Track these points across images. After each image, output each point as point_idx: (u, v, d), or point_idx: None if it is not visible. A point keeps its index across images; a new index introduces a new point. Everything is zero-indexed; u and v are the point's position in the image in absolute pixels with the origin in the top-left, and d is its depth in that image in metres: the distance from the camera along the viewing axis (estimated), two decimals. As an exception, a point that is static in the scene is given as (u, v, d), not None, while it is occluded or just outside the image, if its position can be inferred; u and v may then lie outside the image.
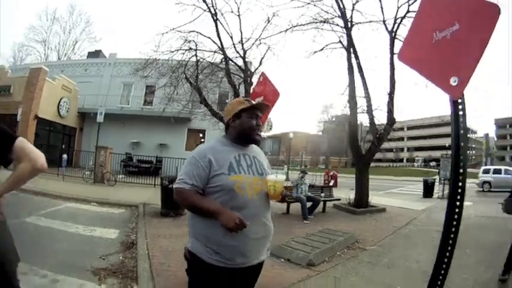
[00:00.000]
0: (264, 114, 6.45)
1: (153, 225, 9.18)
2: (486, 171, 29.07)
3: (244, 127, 2.75)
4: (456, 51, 2.14)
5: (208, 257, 2.49)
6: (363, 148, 14.96)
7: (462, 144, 2.16)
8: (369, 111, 13.73)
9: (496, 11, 2.07)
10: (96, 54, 37.30)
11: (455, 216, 2.23)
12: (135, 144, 27.53)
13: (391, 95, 13.15)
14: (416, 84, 13.24)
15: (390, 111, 13.30)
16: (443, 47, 2.19)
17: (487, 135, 56.39)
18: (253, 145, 2.92)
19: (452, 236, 2.25)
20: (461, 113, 2.15)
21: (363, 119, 15.67)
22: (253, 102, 2.83)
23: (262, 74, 7.15)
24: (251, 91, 11.73)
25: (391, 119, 13.38)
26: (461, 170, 2.18)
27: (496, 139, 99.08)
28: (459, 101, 2.17)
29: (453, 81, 2.05)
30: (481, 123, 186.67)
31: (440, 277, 2.33)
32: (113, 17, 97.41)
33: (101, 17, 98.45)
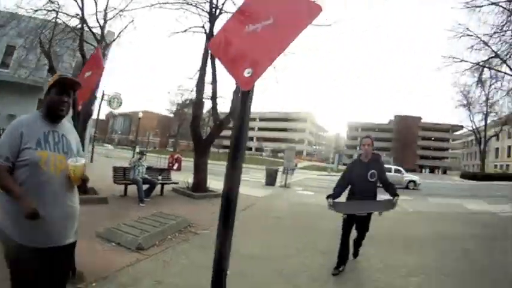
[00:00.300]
0: (82, 90, 6.32)
1: None
2: None
3: (50, 103, 2.80)
4: (259, 44, 2.23)
5: (15, 235, 2.52)
6: (204, 133, 15.20)
7: (243, 135, 2.23)
8: (213, 97, 14.23)
9: (317, 10, 2.14)
10: None
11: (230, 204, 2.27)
12: None
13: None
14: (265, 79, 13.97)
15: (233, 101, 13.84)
16: (250, 39, 2.28)
17: (337, 134, 61.27)
18: (66, 123, 2.97)
19: (227, 221, 2.31)
20: (248, 104, 2.24)
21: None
22: (66, 77, 2.88)
23: (97, 49, 6.95)
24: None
25: (235, 108, 13.76)
26: (238, 158, 2.28)
27: (346, 139, 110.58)
28: (248, 91, 2.21)
29: (247, 72, 2.13)
30: (334, 124, 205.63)
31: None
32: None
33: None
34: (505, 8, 16.45)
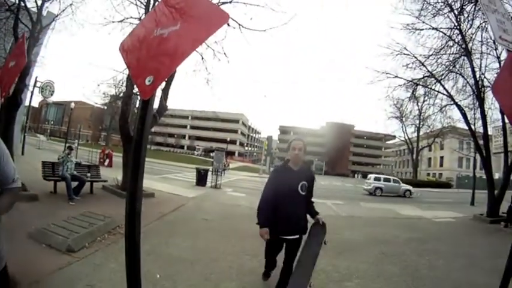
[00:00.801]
0: (11, 77, 5.84)
1: None
2: (377, 179, 33.58)
3: None
4: (164, 50, 2.09)
5: None
6: (134, 129, 14.89)
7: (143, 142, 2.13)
8: None
9: (224, 18, 2.08)
10: None
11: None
12: None
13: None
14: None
15: (162, 99, 13.81)
16: (155, 44, 2.10)
17: (270, 137, 62.26)
18: None
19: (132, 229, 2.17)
20: (148, 113, 2.12)
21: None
22: None
23: (22, 36, 6.52)
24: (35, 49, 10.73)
25: (162, 106, 13.86)
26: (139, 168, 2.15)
27: (278, 142, 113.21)
28: (148, 100, 2.14)
29: (148, 80, 1.98)
30: (266, 127, 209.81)
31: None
32: None
33: None
34: (445, 34, 17.35)
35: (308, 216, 4.92)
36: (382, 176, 35.40)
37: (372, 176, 35.03)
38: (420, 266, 7.25)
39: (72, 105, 43.11)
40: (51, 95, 27.84)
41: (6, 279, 2.38)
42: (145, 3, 13.00)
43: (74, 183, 11.16)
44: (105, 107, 72.95)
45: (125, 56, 2.43)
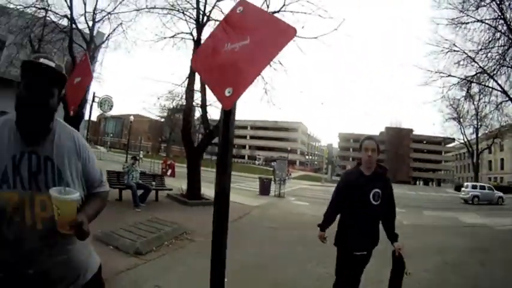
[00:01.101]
0: (79, 92, 6.13)
1: None
2: (474, 187, 33.55)
3: (18, 102, 1.77)
4: (237, 64, 2.17)
5: None
6: (196, 140, 15.14)
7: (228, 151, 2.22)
8: (203, 105, 14.11)
9: (291, 33, 2.11)
10: None
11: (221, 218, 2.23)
12: None
13: None
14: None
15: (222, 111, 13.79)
16: (229, 58, 2.17)
17: (330, 144, 61.52)
18: (58, 135, 1.88)
19: (219, 237, 2.25)
20: (231, 123, 2.22)
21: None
22: (42, 60, 1.76)
23: (84, 55, 6.86)
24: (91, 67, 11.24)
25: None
26: (226, 177, 2.23)
27: (339, 149, 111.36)
28: (231, 111, 2.23)
29: (227, 92, 2.07)
30: (325, 135, 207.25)
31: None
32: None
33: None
34: (490, 26, 16.66)
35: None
36: (478, 184, 34.85)
37: (469, 184, 34.94)
38: (483, 277, 7.01)
39: (131, 118, 44.69)
40: (110, 109, 28.82)
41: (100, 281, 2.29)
42: (195, 19, 13.34)
43: (140, 191, 11.54)
44: (163, 120, 74.82)
45: (199, 69, 2.60)
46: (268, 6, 12.38)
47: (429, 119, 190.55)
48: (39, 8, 12.61)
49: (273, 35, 2.14)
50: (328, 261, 5.66)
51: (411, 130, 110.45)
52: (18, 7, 12.61)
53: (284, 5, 12.75)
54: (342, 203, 4.22)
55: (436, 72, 19.18)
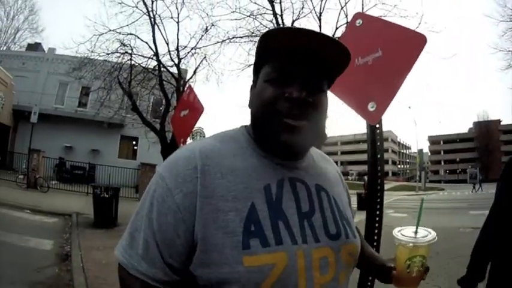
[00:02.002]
0: (189, 123, 6.33)
1: (87, 236, 9.01)
2: None
3: (260, 103, 1.07)
4: (376, 77, 2.12)
5: None
6: None
7: (379, 168, 2.17)
8: None
9: (422, 40, 2.06)
10: (35, 47, 34.57)
11: (376, 230, 2.18)
12: (68, 148, 26.02)
13: None
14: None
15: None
16: (364, 72, 2.15)
17: (421, 150, 58.99)
18: (314, 156, 1.25)
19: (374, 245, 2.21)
20: (378, 137, 2.17)
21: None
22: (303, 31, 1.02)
23: (189, 87, 7.03)
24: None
25: (322, 135, 13.54)
26: (378, 195, 2.17)
27: (429, 154, 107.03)
28: (376, 125, 2.18)
29: (371, 106, 2.00)
30: (413, 139, 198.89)
31: None
32: (56, 6, 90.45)
33: (44, 5, 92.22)
34: None
35: None
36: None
37: None
38: None
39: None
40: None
41: None
42: None
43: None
44: None
45: (332, 89, 2.50)
46: (346, 16, 12.16)
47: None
48: (123, 53, 13.33)
49: (405, 44, 2.09)
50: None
51: (499, 121, 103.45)
52: (101, 55, 13.33)
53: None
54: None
55: None
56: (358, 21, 2.31)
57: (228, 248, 0.92)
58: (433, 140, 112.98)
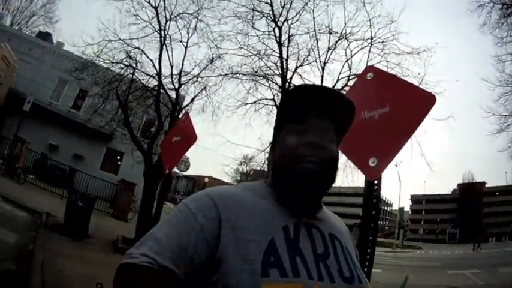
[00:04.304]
0: (179, 150, 6.25)
1: (54, 240, 8.72)
2: None
3: (284, 150, 1.17)
4: (381, 133, 2.09)
5: None
6: None
7: (372, 225, 2.14)
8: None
9: (432, 101, 2.08)
10: (45, 36, 33.64)
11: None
12: (52, 146, 24.99)
13: None
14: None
15: None
16: (369, 126, 2.12)
17: (402, 208, 59.52)
18: (327, 211, 1.30)
19: None
20: (375, 194, 2.14)
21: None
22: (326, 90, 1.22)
23: (186, 114, 7.01)
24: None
25: None
26: (368, 251, 2.14)
27: (410, 213, 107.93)
28: (375, 181, 2.16)
29: (371, 162, 2.00)
30: (395, 197, 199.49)
31: None
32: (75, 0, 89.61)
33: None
34: None
35: None
36: None
37: None
38: None
39: (206, 180, 46.03)
40: (187, 169, 29.55)
41: None
42: (279, 85, 13.39)
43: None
44: (236, 183, 76.31)
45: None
46: (350, 68, 12.32)
47: (501, 168, 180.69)
48: (127, 66, 13.31)
49: (414, 103, 2.09)
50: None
51: (484, 183, 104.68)
52: (106, 62, 13.33)
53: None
54: None
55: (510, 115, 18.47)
56: (369, 75, 2.30)
57: (246, 273, 0.94)
58: (416, 199, 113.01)
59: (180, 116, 13.15)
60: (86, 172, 20.53)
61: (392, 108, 2.10)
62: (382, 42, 12.27)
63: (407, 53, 12.40)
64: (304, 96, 1.17)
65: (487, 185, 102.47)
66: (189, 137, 6.03)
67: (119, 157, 26.37)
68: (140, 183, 15.38)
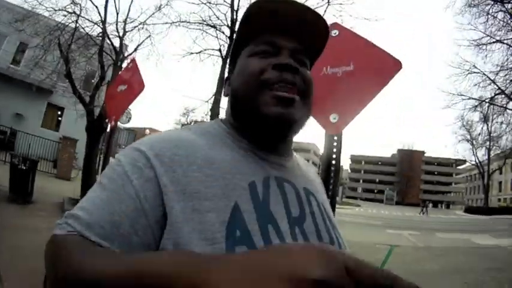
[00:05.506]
0: (125, 100, 5.97)
1: (1, 209, 8.43)
2: None
3: (244, 78, 0.93)
4: (343, 90, 2.07)
5: None
6: None
7: (332, 176, 2.15)
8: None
9: (397, 66, 2.07)
10: None
11: None
12: None
13: None
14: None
15: None
16: (331, 82, 2.11)
17: (341, 166, 61.61)
18: (299, 157, 1.15)
19: None
20: (335, 149, 2.15)
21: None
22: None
23: (133, 61, 6.47)
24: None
25: None
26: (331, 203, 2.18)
27: (349, 171, 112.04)
28: (335, 137, 2.16)
29: (333, 118, 2.00)
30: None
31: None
32: None
33: None
34: (510, 46, 16.71)
35: None
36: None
37: None
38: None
39: (147, 131, 44.83)
40: (128, 121, 29.04)
41: None
42: (228, 36, 13.28)
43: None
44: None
45: None
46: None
47: (442, 141, 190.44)
48: (70, 13, 12.52)
49: (378, 65, 2.07)
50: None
51: (423, 152, 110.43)
52: (48, 9, 12.52)
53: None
54: None
55: (458, 94, 19.48)
56: (334, 32, 2.26)
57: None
58: (355, 159, 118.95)
59: (125, 64, 12.76)
60: (27, 132, 19.65)
61: (356, 67, 2.08)
62: (341, 4, 12.30)
63: (365, 18, 12.59)
64: (268, 12, 0.91)
65: (425, 155, 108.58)
66: (136, 86, 5.66)
67: (59, 112, 25.28)
68: (82, 139, 14.97)
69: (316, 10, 0.94)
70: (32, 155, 14.56)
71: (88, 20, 12.97)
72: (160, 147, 0.81)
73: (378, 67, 2.07)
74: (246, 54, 0.95)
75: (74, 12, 12.57)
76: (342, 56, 2.14)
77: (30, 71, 13.72)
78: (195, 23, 13.62)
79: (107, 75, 13.17)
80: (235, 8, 12.94)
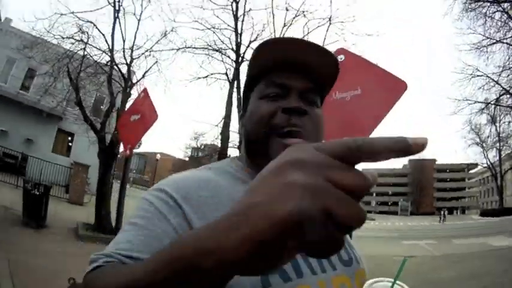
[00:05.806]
0: (139, 130, 6.01)
1: (14, 235, 8.40)
2: None
3: (255, 120, 0.97)
4: (352, 114, 2.09)
5: None
6: None
7: None
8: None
9: (403, 87, 2.10)
10: None
11: None
12: (2, 132, 23.22)
13: None
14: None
15: None
16: (341, 107, 2.14)
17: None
18: None
19: None
20: None
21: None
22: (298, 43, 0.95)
23: (144, 90, 6.58)
24: (128, 104, 11.61)
25: None
26: None
27: None
28: None
29: None
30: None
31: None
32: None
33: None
34: (510, 45, 16.75)
35: None
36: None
37: None
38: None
39: (158, 156, 45.12)
40: (139, 147, 29.23)
41: None
42: (234, 60, 13.44)
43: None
44: (188, 159, 75.43)
45: None
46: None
47: (451, 147, 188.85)
48: (78, 41, 12.70)
49: (385, 87, 2.09)
50: None
51: (434, 160, 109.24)
52: (56, 37, 12.62)
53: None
54: None
55: (464, 99, 19.45)
56: (340, 57, 2.26)
57: None
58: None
59: (133, 91, 12.89)
60: (38, 157, 19.77)
61: (364, 91, 2.10)
62: (342, 22, 12.29)
63: (367, 34, 12.60)
64: (277, 51, 0.93)
65: (437, 162, 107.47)
66: (149, 116, 5.75)
67: (70, 138, 25.39)
68: (93, 165, 15.18)
69: (325, 47, 0.97)
70: (43, 180, 14.68)
71: (96, 47, 13.14)
72: (186, 189, 0.85)
73: (384, 90, 2.09)
74: (257, 95, 0.98)
75: (82, 40, 12.75)
76: (349, 80, 2.16)
77: (41, 97, 13.86)
78: (200, 48, 13.79)
79: (116, 102, 13.28)
80: (239, 31, 13.10)
